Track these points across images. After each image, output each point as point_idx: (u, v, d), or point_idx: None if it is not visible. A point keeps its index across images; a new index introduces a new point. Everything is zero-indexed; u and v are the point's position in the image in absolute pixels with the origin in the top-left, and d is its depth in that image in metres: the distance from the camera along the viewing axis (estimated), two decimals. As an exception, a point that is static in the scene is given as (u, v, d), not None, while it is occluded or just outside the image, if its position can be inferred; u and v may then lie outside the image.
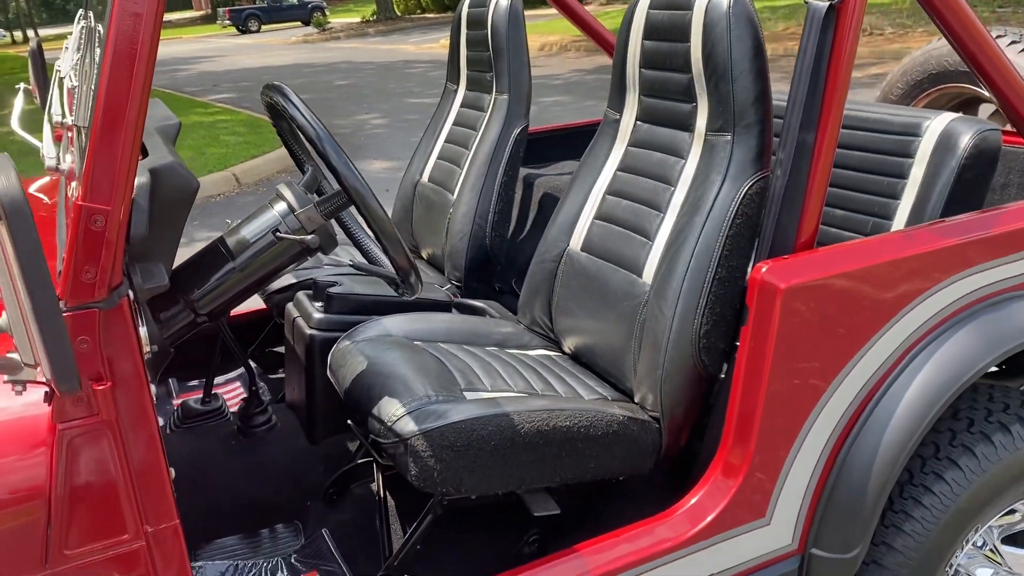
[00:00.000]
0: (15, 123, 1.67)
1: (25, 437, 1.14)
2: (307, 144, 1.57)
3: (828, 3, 1.51)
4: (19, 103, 1.79)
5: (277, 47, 24.36)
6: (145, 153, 1.45)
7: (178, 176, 1.29)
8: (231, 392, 2.59)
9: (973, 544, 1.86)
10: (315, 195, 1.62)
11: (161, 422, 2.35)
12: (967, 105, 2.79)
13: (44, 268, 0.88)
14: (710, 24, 1.65)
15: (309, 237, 1.50)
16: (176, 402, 2.44)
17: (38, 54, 2.36)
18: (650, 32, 1.81)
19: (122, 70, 1.04)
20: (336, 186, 1.55)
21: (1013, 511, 1.87)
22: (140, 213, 1.19)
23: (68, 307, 1.09)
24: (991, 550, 1.90)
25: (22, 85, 2.02)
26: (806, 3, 1.56)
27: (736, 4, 1.62)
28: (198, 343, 2.42)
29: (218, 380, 2.64)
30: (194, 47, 27.07)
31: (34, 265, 0.87)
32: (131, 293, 1.19)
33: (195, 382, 2.57)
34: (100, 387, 1.12)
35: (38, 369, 0.95)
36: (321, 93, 13.06)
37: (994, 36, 2.54)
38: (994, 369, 2.17)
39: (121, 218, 1.08)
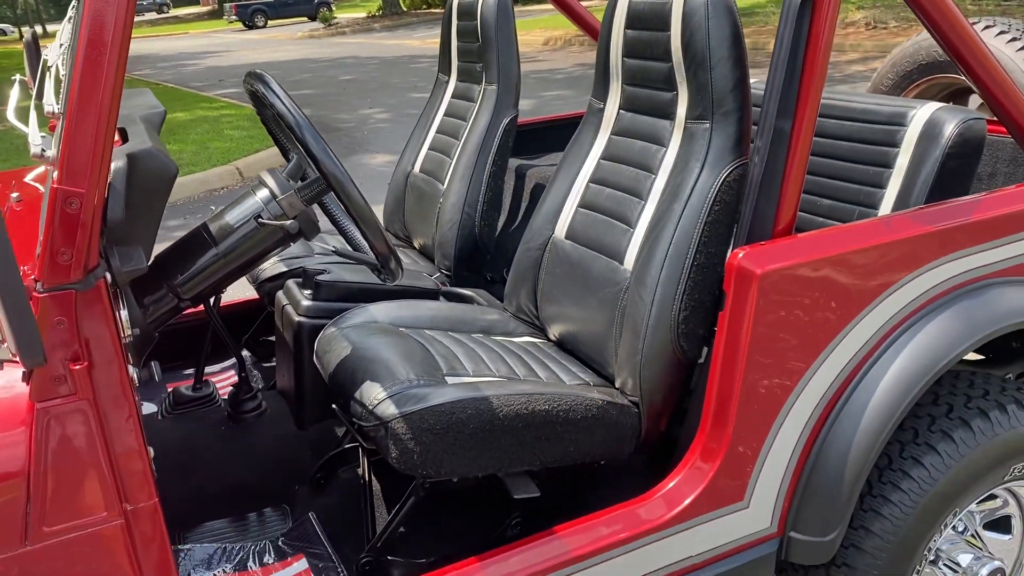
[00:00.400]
0: (11, 115, 1.69)
1: (4, 416, 1.17)
2: (288, 131, 1.60)
3: None
4: (15, 95, 1.81)
5: (283, 42, 24.39)
6: (127, 139, 1.47)
7: (156, 161, 1.31)
8: (226, 380, 2.62)
9: (954, 529, 1.88)
10: (298, 182, 1.64)
11: (153, 408, 2.38)
12: (957, 95, 2.79)
13: (6, 243, 0.91)
14: (689, 13, 1.66)
15: (289, 223, 1.53)
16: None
17: (33, 46, 2.39)
18: (632, 21, 1.83)
19: (95, 55, 1.06)
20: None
21: (994, 496, 1.89)
22: (117, 197, 1.21)
23: (45, 288, 1.12)
24: (972, 535, 1.91)
25: (18, 76, 2.05)
26: (783, -9, 1.58)
27: None
28: (190, 332, 2.45)
29: (213, 368, 2.67)
30: (200, 42, 27.14)
31: None
32: (109, 276, 1.21)
33: (190, 370, 2.60)
34: (77, 367, 1.15)
35: (4, 344, 0.97)
36: (326, 88, 13.09)
37: (983, 28, 2.56)
38: (980, 357, 2.19)
39: (96, 201, 1.11)
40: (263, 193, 1.58)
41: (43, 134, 1.25)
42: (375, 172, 7.14)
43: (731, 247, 1.67)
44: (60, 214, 1.09)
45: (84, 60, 1.06)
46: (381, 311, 1.93)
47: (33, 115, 1.57)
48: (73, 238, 1.10)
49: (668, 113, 1.80)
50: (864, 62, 10.30)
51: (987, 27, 2.59)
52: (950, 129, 1.85)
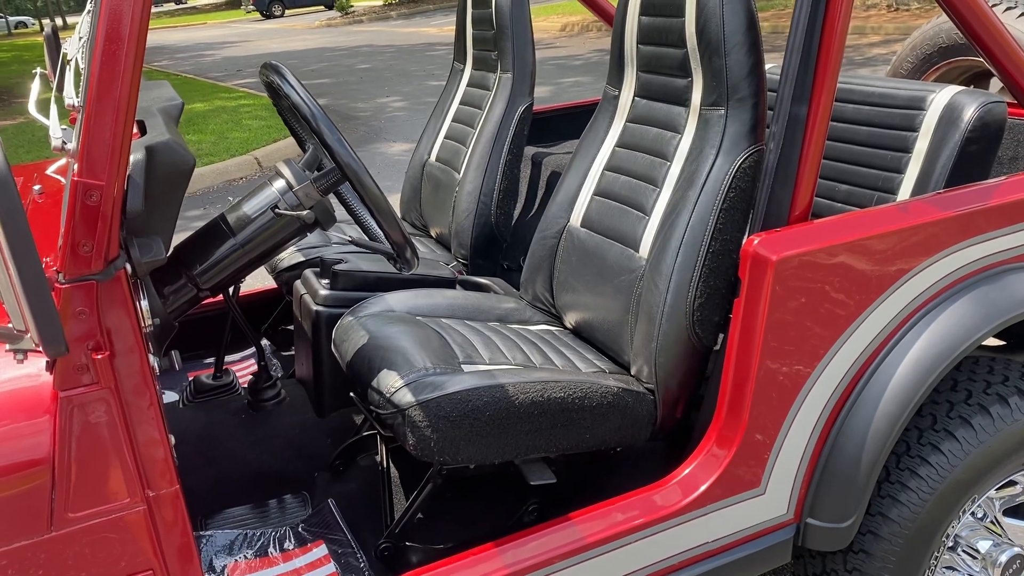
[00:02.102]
0: (32, 108, 1.72)
1: (29, 405, 1.19)
2: (303, 122, 1.61)
3: None
4: (36, 88, 1.84)
5: (300, 31, 24.45)
6: (145, 131, 1.49)
7: (174, 153, 1.33)
8: (246, 368, 2.65)
9: (972, 515, 1.87)
10: (314, 172, 1.66)
11: (175, 396, 2.41)
12: (978, 78, 2.76)
13: (28, 235, 0.93)
14: None
15: (305, 213, 1.54)
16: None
17: (53, 39, 2.41)
18: (646, 7, 1.82)
19: (113, 49, 1.08)
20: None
21: (1014, 483, 1.88)
22: (136, 189, 1.23)
23: (66, 279, 1.14)
24: (992, 522, 1.90)
25: (38, 70, 2.07)
26: (799, -25, 1.56)
27: None
28: (210, 321, 2.48)
29: (233, 357, 2.70)
30: (219, 32, 27.25)
31: (18, 233, 0.92)
32: (129, 267, 1.23)
33: (210, 359, 2.63)
34: (99, 356, 1.17)
35: (28, 335, 1.00)
36: (343, 76, 13.12)
37: (1004, 9, 2.53)
38: (1001, 343, 2.17)
39: (116, 193, 1.12)
40: (279, 184, 1.59)
41: (64, 126, 1.27)
42: (392, 160, 7.16)
43: (747, 234, 1.66)
44: (81, 206, 1.11)
45: (102, 55, 1.08)
46: (398, 300, 1.94)
47: (54, 108, 1.58)
48: (94, 230, 1.12)
49: (683, 100, 1.79)
50: (885, 44, 10.19)
51: (1009, 8, 2.56)
52: (969, 113, 1.83)
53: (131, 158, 1.27)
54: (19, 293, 0.95)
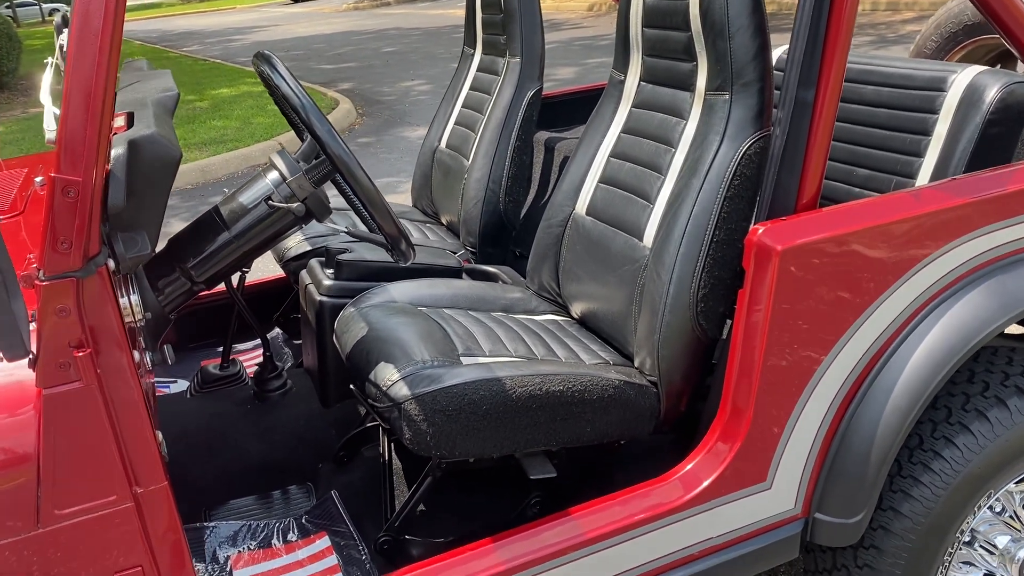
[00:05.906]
0: (44, 96, 1.71)
1: (12, 402, 1.19)
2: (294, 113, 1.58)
3: None
4: (48, 78, 1.83)
5: (328, 15, 24.45)
6: (132, 124, 1.47)
7: (159, 146, 1.31)
8: (256, 357, 2.65)
9: (991, 510, 1.82)
10: (312, 163, 1.63)
11: (184, 386, 2.42)
12: (1005, 58, 2.67)
13: None
14: None
15: (295, 205, 1.52)
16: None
17: (63, 27, 2.41)
18: None
19: (86, 45, 1.06)
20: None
21: (1034, 477, 1.82)
22: (117, 183, 1.21)
23: (46, 276, 1.13)
24: (1011, 517, 1.85)
25: (50, 59, 2.07)
26: (805, -46, 1.51)
27: None
28: (223, 310, 2.48)
29: (246, 346, 2.71)
30: (248, 17, 27.37)
31: None
32: (112, 262, 1.22)
33: (220, 349, 2.64)
34: (81, 353, 1.16)
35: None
36: (369, 60, 13.11)
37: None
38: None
39: (95, 189, 1.11)
40: (273, 175, 1.58)
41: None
42: (415, 145, 7.13)
43: (753, 223, 1.62)
44: (58, 202, 1.09)
45: (74, 49, 1.06)
46: (400, 290, 1.92)
47: (48, 103, 1.58)
48: (71, 226, 1.10)
49: (688, 84, 1.74)
50: (920, 21, 9.95)
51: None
52: (991, 94, 1.77)
53: (113, 152, 1.25)
54: None
